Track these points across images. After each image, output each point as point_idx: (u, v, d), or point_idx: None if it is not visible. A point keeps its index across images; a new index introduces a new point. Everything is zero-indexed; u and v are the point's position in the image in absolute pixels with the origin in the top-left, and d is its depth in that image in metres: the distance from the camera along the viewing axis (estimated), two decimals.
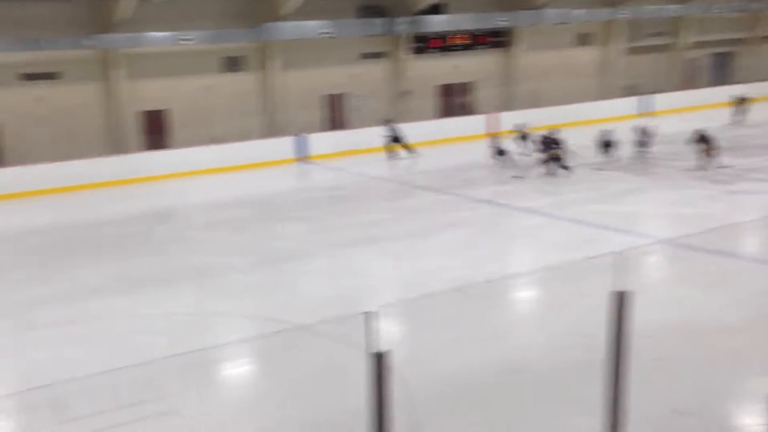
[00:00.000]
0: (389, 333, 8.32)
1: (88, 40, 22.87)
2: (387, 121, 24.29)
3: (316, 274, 12.56)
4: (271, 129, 26.59)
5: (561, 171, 18.73)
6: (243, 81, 26.54)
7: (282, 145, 24.29)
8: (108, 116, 24.44)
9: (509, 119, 25.07)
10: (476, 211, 16.35)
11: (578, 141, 20.40)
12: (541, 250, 13.30)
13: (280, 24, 25.21)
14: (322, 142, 24.63)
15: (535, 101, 29.19)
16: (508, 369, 8.31)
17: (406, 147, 23.55)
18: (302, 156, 24.40)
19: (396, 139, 23.79)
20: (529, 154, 20.70)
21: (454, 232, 14.77)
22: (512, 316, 10.56)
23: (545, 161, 18.99)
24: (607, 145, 20.11)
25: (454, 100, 30.07)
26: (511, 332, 9.67)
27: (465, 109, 29.92)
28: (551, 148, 19.00)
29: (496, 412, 7.34)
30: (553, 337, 9.16)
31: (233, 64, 26.52)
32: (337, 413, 7.38)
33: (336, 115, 27.93)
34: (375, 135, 23.86)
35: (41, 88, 23.74)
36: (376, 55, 28.72)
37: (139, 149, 23.97)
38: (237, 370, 9.16)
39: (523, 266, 12.82)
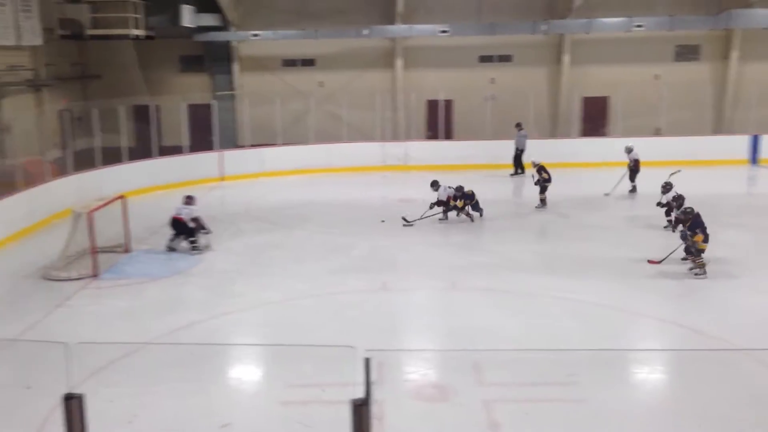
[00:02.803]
0: None
1: (542, 25, 23.65)
2: (517, 125, 21.33)
3: (756, 290, 11.06)
4: (724, 125, 24.36)
5: None
6: (695, 71, 24.75)
7: (734, 144, 22.03)
8: (551, 100, 25.15)
9: None
10: None
11: None
12: None
13: (747, 11, 22.65)
14: None
15: None
16: None
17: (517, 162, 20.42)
18: (756, 158, 21.84)
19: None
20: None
21: None
22: None
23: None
24: None
25: None
26: None
27: None
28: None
29: None
30: None
31: (687, 52, 24.87)
32: None
33: None
34: None
35: (494, 70, 25.51)
36: None
37: (578, 135, 24.10)
38: (656, 375, 8.54)
39: None
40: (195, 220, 13.66)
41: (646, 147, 20.68)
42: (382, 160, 21.62)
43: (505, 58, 25.57)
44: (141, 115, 21.28)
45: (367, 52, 25.49)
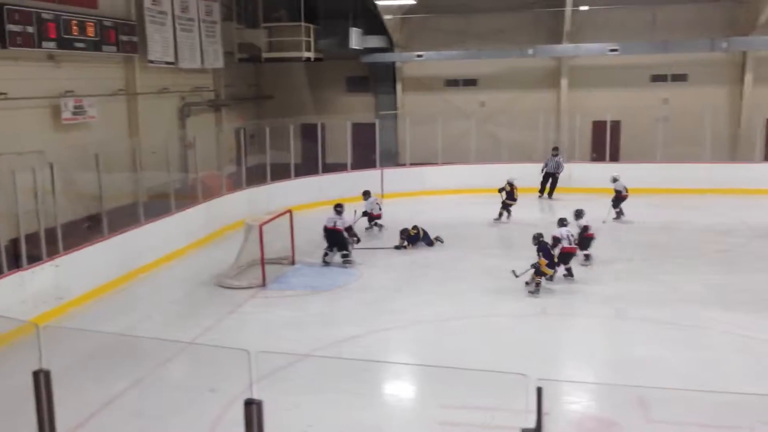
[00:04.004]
0: None
1: (722, 42, 22.22)
2: (554, 149, 21.11)
3: None
4: None
5: None
6: None
7: None
8: (731, 121, 23.53)
9: None
10: None
11: None
12: None
13: None
14: None
15: None
16: None
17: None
18: None
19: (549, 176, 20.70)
20: None
21: None
22: None
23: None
24: None
25: None
26: None
27: None
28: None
29: None
30: None
31: None
32: None
33: None
34: None
35: (666, 90, 24.28)
36: None
37: (762, 159, 22.29)
38: None
39: None
40: (348, 229, 14.04)
41: None
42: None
43: (679, 78, 24.28)
44: (308, 133, 22.24)
45: (531, 72, 25.15)
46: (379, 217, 16.81)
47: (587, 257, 13.81)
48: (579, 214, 13.99)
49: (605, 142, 21.93)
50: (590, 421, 7.63)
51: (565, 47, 23.90)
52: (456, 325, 10.81)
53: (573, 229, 13.36)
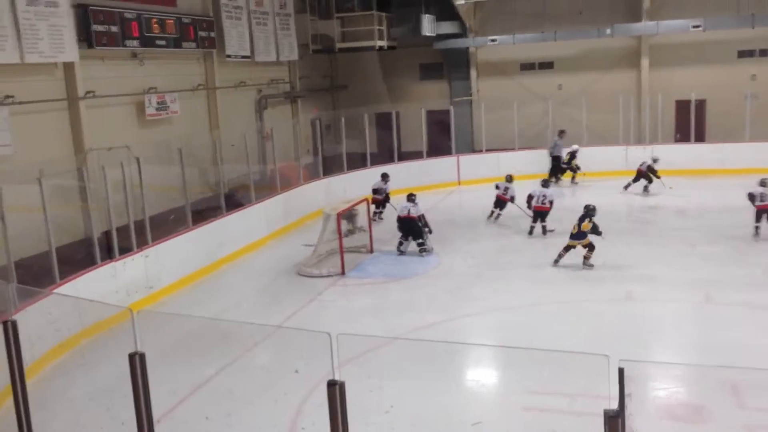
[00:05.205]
0: None
1: None
2: (561, 132, 20.90)
3: None
4: None
5: None
6: None
7: None
8: None
9: None
10: None
11: None
12: None
13: None
14: None
15: None
16: None
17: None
18: None
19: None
20: None
21: None
22: None
23: None
24: None
25: None
26: None
27: None
28: None
29: None
30: None
31: None
32: None
33: None
34: None
35: (754, 65, 23.21)
36: None
37: None
38: None
39: None
40: (421, 217, 14.01)
41: None
42: (626, 165, 20.58)
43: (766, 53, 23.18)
44: (382, 122, 22.31)
45: (610, 53, 24.47)
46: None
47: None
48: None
49: (690, 122, 21.13)
50: (678, 406, 7.42)
51: (645, 25, 23.10)
52: (538, 310, 10.68)
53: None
